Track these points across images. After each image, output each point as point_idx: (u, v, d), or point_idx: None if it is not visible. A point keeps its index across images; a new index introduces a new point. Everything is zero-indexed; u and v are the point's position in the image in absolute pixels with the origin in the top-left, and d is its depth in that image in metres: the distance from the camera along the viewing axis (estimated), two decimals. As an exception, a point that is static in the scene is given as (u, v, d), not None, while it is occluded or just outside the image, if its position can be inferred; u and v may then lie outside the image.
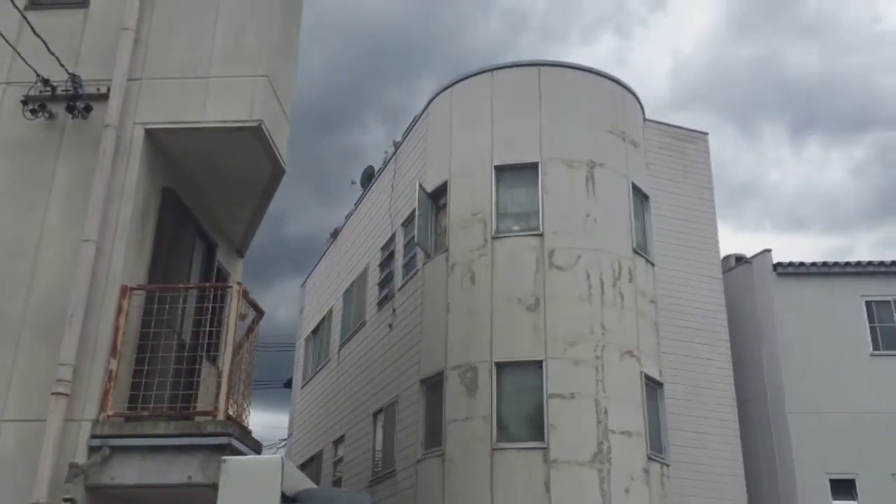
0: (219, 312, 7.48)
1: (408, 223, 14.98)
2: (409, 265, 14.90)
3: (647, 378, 12.78)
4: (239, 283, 7.13)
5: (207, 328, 7.35)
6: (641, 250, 13.60)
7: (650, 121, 16.10)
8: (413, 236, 14.14)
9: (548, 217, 12.90)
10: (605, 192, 13.30)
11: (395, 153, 16.50)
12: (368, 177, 18.69)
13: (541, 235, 12.81)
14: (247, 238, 9.76)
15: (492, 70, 14.03)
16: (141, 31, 7.85)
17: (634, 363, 12.62)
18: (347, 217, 19.64)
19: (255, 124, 7.51)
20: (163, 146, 7.74)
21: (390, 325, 15.08)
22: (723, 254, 18.12)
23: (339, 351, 18.23)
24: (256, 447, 7.03)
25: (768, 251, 18.76)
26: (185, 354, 7.75)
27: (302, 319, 22.35)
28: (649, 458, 12.24)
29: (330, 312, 19.50)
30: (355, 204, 19.09)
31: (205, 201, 8.63)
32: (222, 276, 9.40)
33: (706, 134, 18.87)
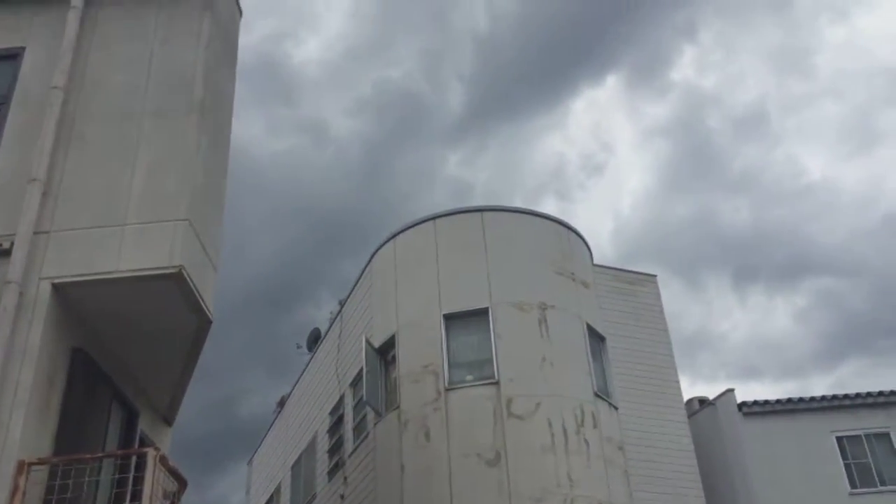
0: (141, 483, 6.52)
1: (356, 382, 14.15)
2: (359, 427, 13.93)
3: (623, 532, 11.76)
4: (156, 449, 6.24)
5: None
6: (603, 394, 12.91)
7: (599, 266, 15.88)
8: (362, 396, 13.28)
9: (502, 364, 12.23)
10: (560, 335, 12.75)
11: (339, 311, 15.87)
12: (315, 339, 17.93)
13: (496, 384, 12.08)
14: (174, 403, 8.86)
15: (434, 218, 13.75)
16: (51, 181, 7.31)
17: (608, 517, 11.62)
18: (294, 385, 18.67)
19: (174, 271, 6.88)
20: (73, 302, 7.02)
21: (342, 496, 13.90)
22: (685, 397, 17.55)
23: (290, 530, 16.78)
24: None
25: (731, 391, 18.23)
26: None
27: (248, 500, 20.77)
28: None
29: (278, 489, 18.13)
30: (302, 370, 18.20)
31: (123, 362, 7.81)
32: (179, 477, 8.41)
33: (654, 276, 18.74)
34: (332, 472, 14.78)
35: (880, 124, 53.33)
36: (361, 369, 13.25)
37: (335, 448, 14.88)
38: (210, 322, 7.59)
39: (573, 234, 14.24)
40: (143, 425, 8.37)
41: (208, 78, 7.99)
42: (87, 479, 6.23)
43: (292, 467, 17.32)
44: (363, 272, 14.81)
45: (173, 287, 7.00)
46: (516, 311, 12.73)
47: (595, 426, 12.29)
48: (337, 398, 15.09)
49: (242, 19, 9.51)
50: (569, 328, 12.98)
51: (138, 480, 6.49)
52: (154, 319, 7.43)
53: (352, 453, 13.85)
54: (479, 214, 13.66)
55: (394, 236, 14.08)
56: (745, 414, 17.54)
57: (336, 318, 16.03)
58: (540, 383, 12.18)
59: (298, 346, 18.43)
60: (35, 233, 7.03)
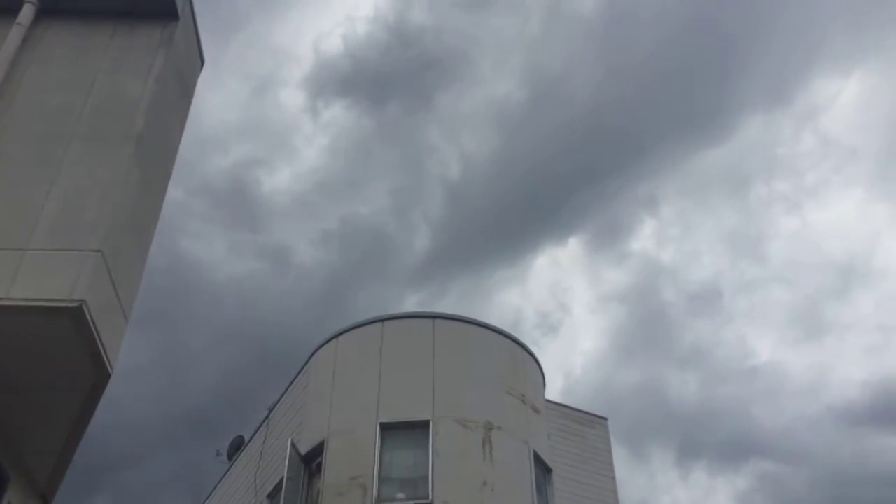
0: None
1: (275, 494, 12.76)
2: (271, 544, 12.46)
3: None
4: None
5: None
6: (545, 530, 11.75)
7: (549, 401, 15.00)
8: (279, 508, 11.90)
9: (438, 483, 11.09)
10: (504, 459, 11.70)
11: (267, 416, 14.62)
12: (237, 448, 16.48)
13: (430, 505, 10.90)
14: (55, 476, 7.57)
15: (383, 320, 12.88)
16: (-47, 196, 6.40)
17: None
18: (206, 498, 17.02)
19: (74, 305, 5.91)
20: (-51, 330, 5.97)
21: None
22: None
23: None
24: None
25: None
26: None
27: None
28: None
29: None
30: (217, 482, 16.64)
31: (2, 411, 6.65)
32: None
33: (605, 419, 17.86)
34: None
35: (828, 315, 54.18)
36: (282, 478, 11.96)
37: (242, 568, 13.29)
38: (108, 376, 6.53)
39: (528, 355, 13.44)
40: (14, 497, 7.09)
41: (152, 112, 7.28)
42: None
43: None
44: (298, 374, 13.73)
45: (70, 326, 6.01)
46: (460, 428, 11.70)
47: (534, 565, 11.07)
48: (252, 511, 13.63)
49: (202, 74, 8.95)
50: (515, 453, 11.95)
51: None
52: (45, 365, 6.37)
53: (260, 574, 12.33)
54: (430, 321, 12.84)
55: (336, 336, 13.13)
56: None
57: (263, 423, 14.75)
58: (478, 509, 11.02)
59: (218, 454, 16.91)
60: (-80, 249, 6.06)
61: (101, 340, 6.23)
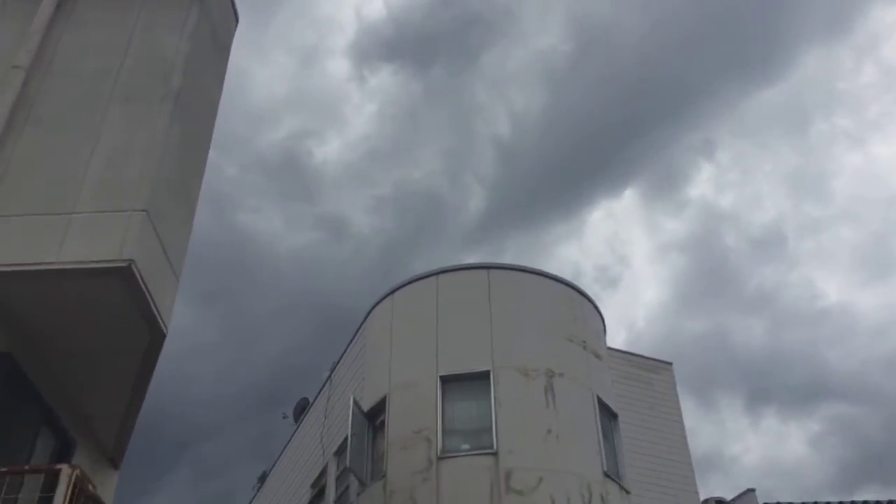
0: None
1: (341, 451, 12.83)
2: (341, 500, 12.55)
3: None
4: (72, 466, 5.08)
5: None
6: (614, 475, 11.57)
7: (612, 349, 14.74)
8: (346, 465, 11.94)
9: (502, 433, 10.97)
10: (568, 406, 11.52)
11: (329, 377, 14.68)
12: (302, 410, 16.64)
13: (495, 454, 10.80)
14: (121, 440, 7.67)
15: (437, 273, 12.73)
16: (-3, 164, 6.41)
17: None
18: (276, 459, 17.28)
19: (123, 265, 5.88)
20: (7, 296, 6.00)
21: (317, 578, 12.41)
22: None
23: None
24: None
25: (752, 490, 16.67)
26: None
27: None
28: None
29: (252, 573, 16.53)
30: (285, 443, 16.85)
31: (60, 378, 6.72)
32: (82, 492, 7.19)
33: (670, 364, 17.56)
34: (308, 554, 13.32)
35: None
36: (347, 436, 11.99)
37: (314, 525, 13.46)
38: (164, 336, 6.53)
39: (586, 301, 13.17)
40: (81, 462, 7.17)
41: (189, 69, 7.19)
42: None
43: (268, 549, 15.79)
44: (357, 332, 13.72)
45: (121, 286, 5.99)
46: (520, 377, 11.55)
47: (604, 510, 10.92)
48: (319, 470, 13.74)
49: (238, 29, 8.81)
50: (578, 400, 11.76)
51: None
52: (99, 328, 6.38)
53: (331, 530, 12.45)
54: (485, 272, 12.65)
55: (392, 292, 13.04)
56: (768, 517, 15.99)
57: (325, 383, 14.83)
58: (543, 457, 10.89)
59: (284, 416, 17.12)
60: (-32, 216, 6.09)
61: (153, 300, 6.20)
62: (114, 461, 7.84)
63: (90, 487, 5.19)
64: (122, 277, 5.92)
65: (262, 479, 17.68)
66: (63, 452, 6.82)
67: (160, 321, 6.38)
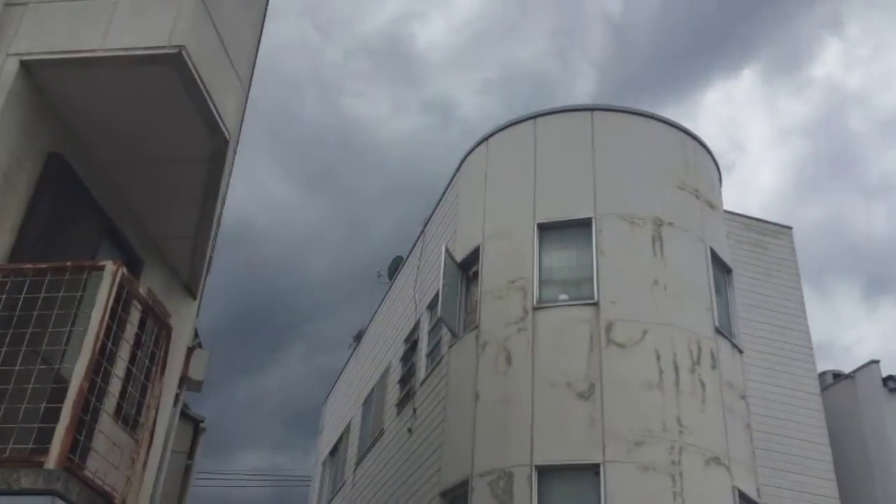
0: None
1: (434, 304, 12.33)
2: (433, 353, 12.14)
3: (742, 496, 9.53)
4: (115, 261, 4.55)
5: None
6: (726, 332, 10.67)
7: (726, 212, 13.48)
8: (439, 317, 11.44)
9: (604, 283, 10.16)
10: (678, 256, 10.57)
11: (422, 230, 14.09)
12: (396, 268, 16.22)
13: (596, 305, 10.03)
14: (196, 266, 7.21)
15: (535, 117, 11.74)
16: (39, -55, 5.74)
17: (724, 474, 9.44)
18: (371, 317, 17.07)
19: (173, 51, 5.19)
20: (49, 91, 5.44)
21: (409, 429, 12.16)
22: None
23: (355, 471, 15.19)
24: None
25: (875, 362, 15.49)
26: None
27: (320, 442, 19.39)
28: None
29: (348, 427, 16.59)
30: (380, 301, 16.56)
31: (120, 189, 6.21)
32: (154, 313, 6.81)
33: (790, 228, 16.16)
34: (401, 405, 13.07)
35: None
36: (439, 288, 11.43)
37: (406, 377, 13.16)
38: (227, 141, 5.89)
39: (700, 147, 11.96)
40: (154, 286, 6.77)
41: None
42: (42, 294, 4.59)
43: (363, 403, 15.74)
44: (450, 182, 12.97)
45: (173, 78, 5.32)
46: (625, 225, 10.61)
47: (714, 367, 10.08)
48: (413, 323, 13.35)
49: None
50: (688, 250, 10.78)
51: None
52: (155, 130, 5.78)
53: (423, 382, 12.09)
54: (588, 114, 11.57)
55: (486, 138, 12.16)
56: (892, 389, 14.82)
57: (418, 238, 14.26)
58: (649, 309, 10.06)
59: (379, 275, 16.78)
60: (7, 4, 5.48)
61: (209, 96, 5.53)
62: (190, 289, 7.43)
63: (136, 286, 4.67)
64: (172, 66, 5.24)
65: (358, 337, 17.58)
66: (129, 270, 6.38)
67: (221, 123, 5.73)
